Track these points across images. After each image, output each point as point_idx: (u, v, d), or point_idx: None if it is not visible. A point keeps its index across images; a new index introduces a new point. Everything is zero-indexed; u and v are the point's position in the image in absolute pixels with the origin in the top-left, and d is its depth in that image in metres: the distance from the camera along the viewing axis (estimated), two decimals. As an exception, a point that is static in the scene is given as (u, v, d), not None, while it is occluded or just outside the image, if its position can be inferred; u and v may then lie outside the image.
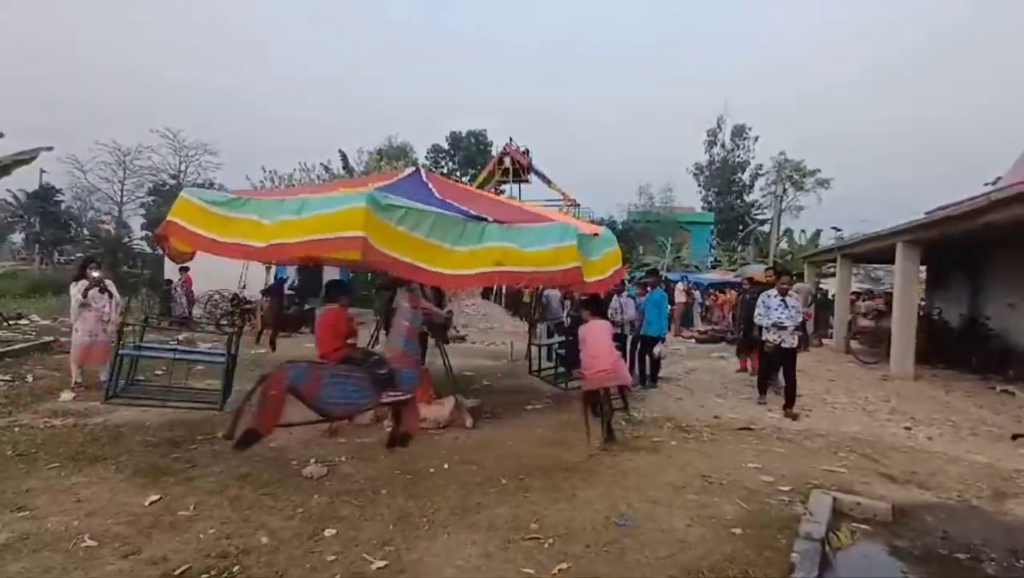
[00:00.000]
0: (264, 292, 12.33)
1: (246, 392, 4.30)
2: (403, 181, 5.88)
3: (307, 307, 13.37)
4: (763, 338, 6.97)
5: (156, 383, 6.65)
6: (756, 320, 7.11)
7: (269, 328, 10.69)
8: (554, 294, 12.04)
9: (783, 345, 6.78)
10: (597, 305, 6.06)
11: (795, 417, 6.60)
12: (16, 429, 5.18)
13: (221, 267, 8.29)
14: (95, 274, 7.07)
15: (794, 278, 7.62)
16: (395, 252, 4.32)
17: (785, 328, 6.75)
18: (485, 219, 4.90)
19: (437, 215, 4.67)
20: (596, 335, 5.38)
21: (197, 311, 14.76)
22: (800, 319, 6.87)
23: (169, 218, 4.81)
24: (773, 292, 6.93)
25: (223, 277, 13.01)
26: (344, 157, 28.16)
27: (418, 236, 4.44)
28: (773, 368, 7.35)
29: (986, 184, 14.29)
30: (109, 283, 7.27)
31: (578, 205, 29.16)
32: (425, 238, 4.48)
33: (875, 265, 29.58)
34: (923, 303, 14.10)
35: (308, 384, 4.18)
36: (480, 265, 4.67)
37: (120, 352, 5.49)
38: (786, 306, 6.79)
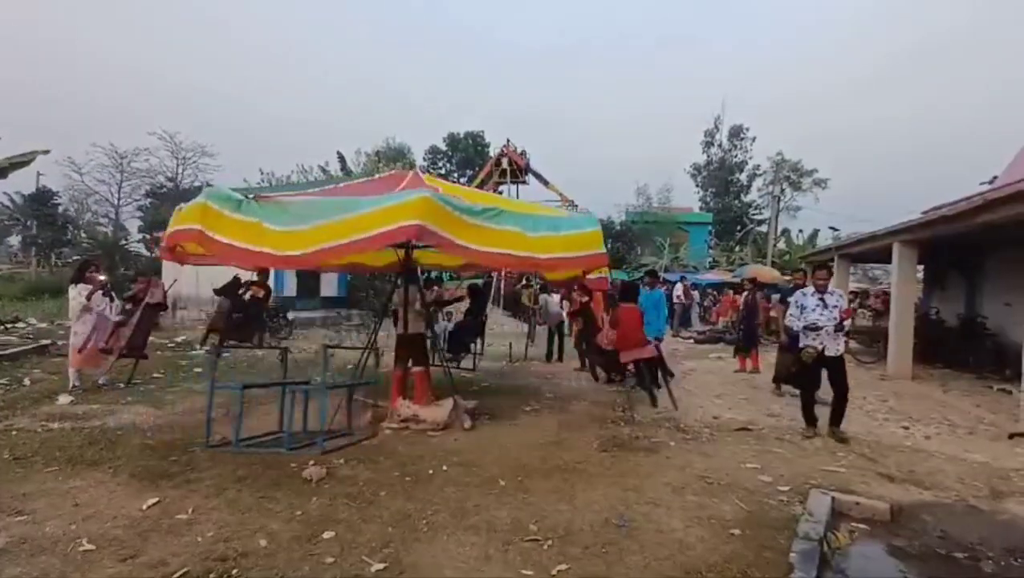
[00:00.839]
0: (218, 292, 10.41)
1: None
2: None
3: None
4: (800, 345, 5.90)
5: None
6: (787, 322, 6.22)
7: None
8: (552, 297, 12.08)
9: (827, 353, 5.77)
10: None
11: (844, 440, 5.64)
12: (13, 433, 5.17)
13: (226, 268, 8.20)
14: (101, 278, 7.07)
15: (831, 271, 6.50)
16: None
17: (821, 330, 5.73)
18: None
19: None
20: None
21: (197, 314, 14.69)
22: (838, 319, 5.74)
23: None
24: (809, 289, 5.98)
25: (225, 279, 12.76)
26: (342, 159, 28.16)
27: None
28: (814, 382, 6.07)
29: (982, 183, 14.35)
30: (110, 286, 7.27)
31: (575, 206, 29.20)
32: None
33: (873, 265, 29.66)
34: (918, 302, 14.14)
35: None
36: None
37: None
38: (825, 306, 5.78)
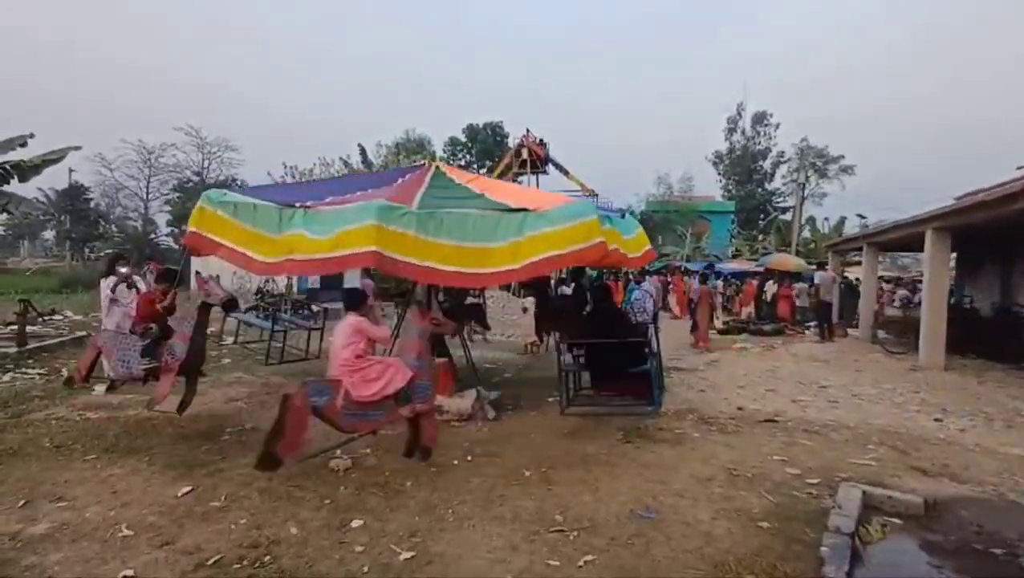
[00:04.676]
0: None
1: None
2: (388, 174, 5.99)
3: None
4: None
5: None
6: None
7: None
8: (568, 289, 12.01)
9: None
10: (353, 296, 4.69)
11: None
12: (53, 422, 5.34)
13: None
14: (123, 270, 7.23)
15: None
16: (228, 241, 4.62)
17: None
18: (293, 205, 4.65)
19: (258, 205, 4.72)
20: (337, 334, 4.46)
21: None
22: None
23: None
24: None
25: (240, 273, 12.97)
26: (363, 151, 28.34)
27: (248, 227, 4.60)
28: None
29: (1019, 168, 13.82)
30: (137, 279, 7.43)
31: (596, 196, 28.98)
32: (252, 228, 4.66)
33: (901, 253, 28.92)
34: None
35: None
36: (277, 254, 4.51)
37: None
38: None
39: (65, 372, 7.57)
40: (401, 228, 4.33)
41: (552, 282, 8.95)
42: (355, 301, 4.56)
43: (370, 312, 5.34)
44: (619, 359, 6.30)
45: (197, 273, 5.11)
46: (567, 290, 10.43)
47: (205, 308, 5.10)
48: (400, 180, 5.92)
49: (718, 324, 13.00)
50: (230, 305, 5.34)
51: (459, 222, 4.52)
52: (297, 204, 4.64)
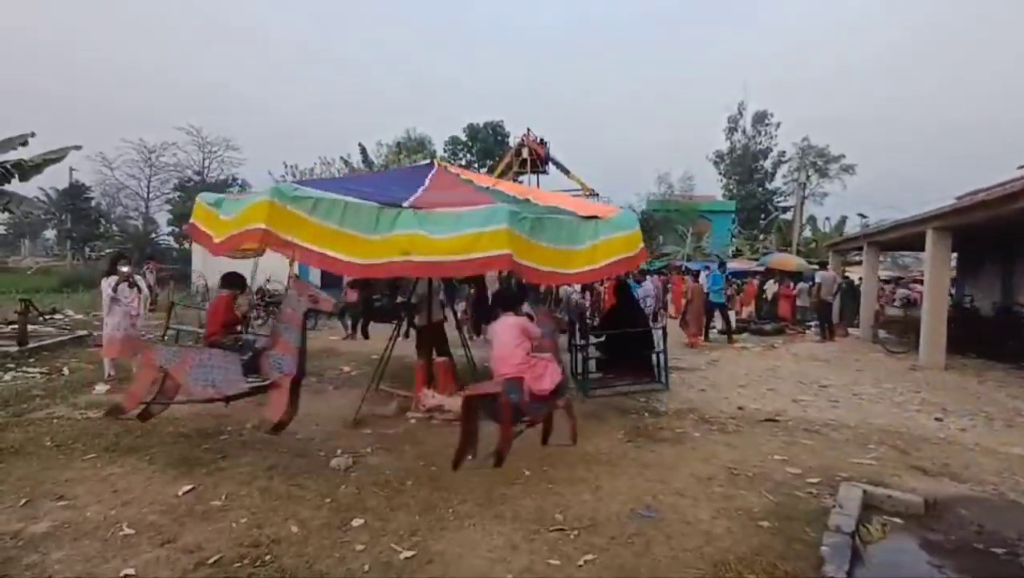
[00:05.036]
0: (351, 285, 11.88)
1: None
2: (402, 171, 5.92)
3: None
4: None
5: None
6: None
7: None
8: (572, 288, 11.99)
9: None
10: (509, 298, 5.14)
11: None
12: (54, 421, 5.35)
13: (246, 260, 8.33)
14: (124, 269, 7.24)
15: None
16: (308, 242, 4.24)
17: None
18: (399, 205, 4.55)
19: (348, 203, 4.44)
20: (500, 334, 4.66)
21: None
22: None
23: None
24: None
25: (248, 271, 12.94)
26: (363, 150, 28.34)
27: (330, 225, 4.29)
28: None
29: (1020, 167, 13.80)
30: (138, 278, 7.44)
31: (597, 195, 28.97)
32: (338, 227, 4.32)
33: (902, 253, 28.91)
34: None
35: (177, 366, 4.51)
36: (386, 254, 4.34)
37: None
38: None
39: (66, 370, 7.59)
40: (523, 233, 4.44)
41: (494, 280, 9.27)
42: (513, 301, 4.93)
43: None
44: (631, 345, 7.41)
45: (296, 277, 4.75)
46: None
47: (306, 315, 4.69)
48: (428, 179, 5.77)
49: (719, 324, 13.06)
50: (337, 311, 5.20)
51: (554, 226, 4.80)
52: (404, 204, 4.59)
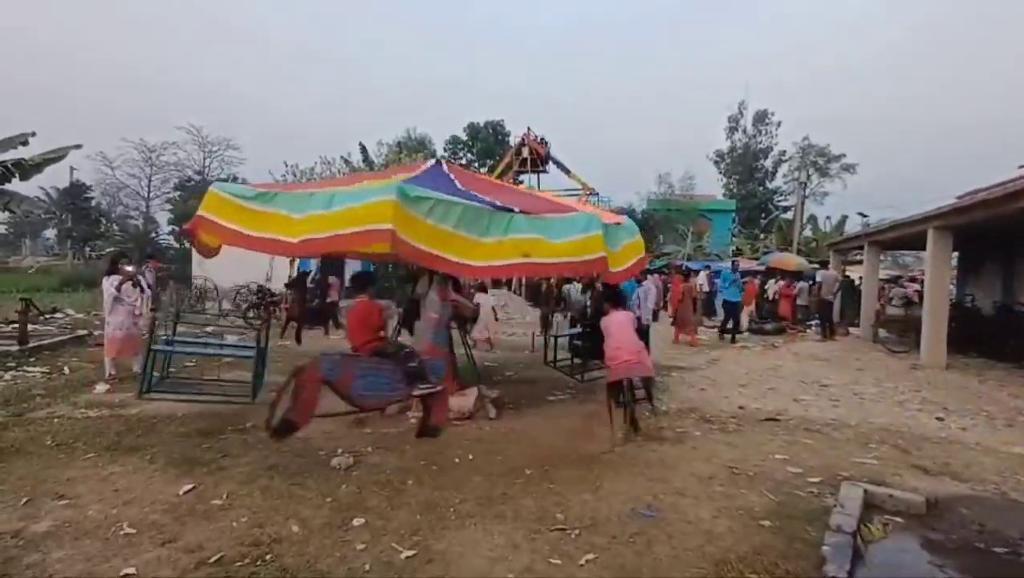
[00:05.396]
0: (288, 285, 12.31)
1: (278, 384, 4.35)
2: (426, 174, 5.85)
3: (329, 300, 13.20)
4: None
5: (187, 376, 6.77)
6: None
7: (294, 321, 10.68)
8: (574, 286, 12.02)
9: None
10: (617, 296, 5.92)
11: None
12: (55, 420, 5.35)
13: (247, 260, 8.36)
14: (128, 268, 7.24)
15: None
16: (422, 244, 4.30)
17: None
18: (511, 210, 4.82)
19: (465, 207, 4.60)
20: (619, 326, 5.40)
21: (225, 305, 14.98)
22: None
23: (199, 213, 4.80)
24: None
25: (249, 270, 13.01)
26: (364, 150, 28.29)
27: (446, 227, 4.41)
28: None
29: (1021, 166, 13.79)
30: (140, 277, 7.44)
31: (597, 194, 28.95)
32: (453, 229, 4.44)
33: (903, 252, 28.88)
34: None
35: (342, 377, 4.23)
36: (507, 256, 4.63)
37: (153, 348, 5.58)
38: None
39: (67, 370, 7.58)
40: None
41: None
42: (620, 300, 5.83)
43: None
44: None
45: (441, 283, 5.03)
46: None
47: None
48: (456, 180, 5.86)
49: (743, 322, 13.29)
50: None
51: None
52: (516, 209, 4.83)
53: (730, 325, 12.81)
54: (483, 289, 11.50)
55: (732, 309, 12.92)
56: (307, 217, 4.41)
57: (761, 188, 40.73)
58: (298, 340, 10.17)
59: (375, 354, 4.67)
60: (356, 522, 3.38)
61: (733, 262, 14.99)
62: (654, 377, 5.78)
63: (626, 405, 5.25)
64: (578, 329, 8.19)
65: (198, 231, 4.99)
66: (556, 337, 8.60)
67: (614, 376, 5.27)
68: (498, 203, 4.94)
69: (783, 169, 40.34)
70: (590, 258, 4.83)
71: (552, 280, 15.82)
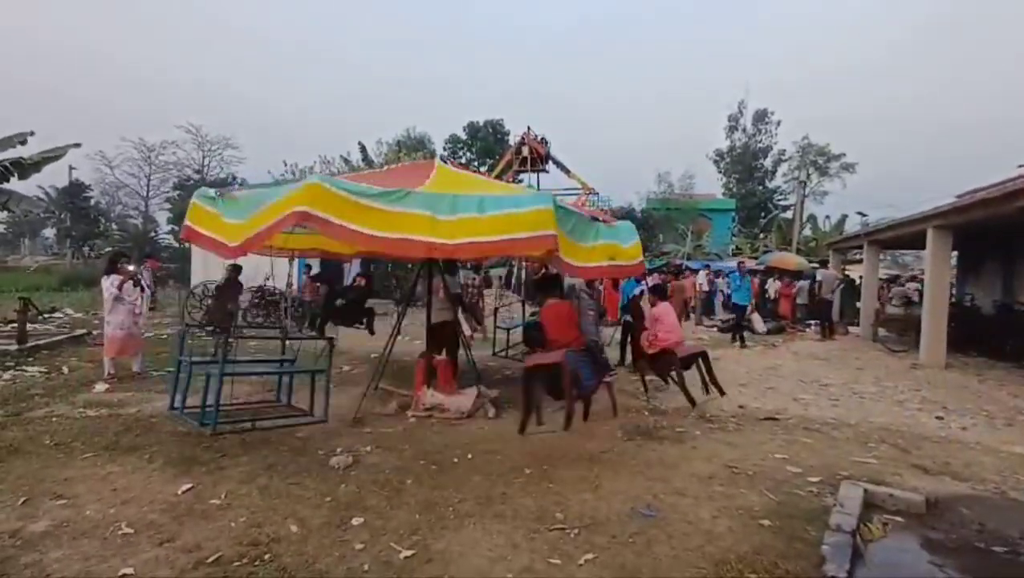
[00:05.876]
0: (316, 279, 11.92)
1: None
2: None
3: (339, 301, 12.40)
4: None
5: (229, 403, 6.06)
6: None
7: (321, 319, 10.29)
8: (578, 282, 11.94)
9: None
10: (663, 291, 7.46)
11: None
12: (54, 419, 5.34)
13: (246, 259, 8.30)
14: (130, 268, 7.24)
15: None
16: (562, 250, 4.61)
17: None
18: (596, 219, 5.61)
19: (578, 216, 5.27)
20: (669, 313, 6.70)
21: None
22: None
23: (298, 209, 4.19)
24: None
25: (248, 269, 12.85)
26: (363, 149, 28.27)
27: (566, 235, 4.70)
28: None
29: (1020, 165, 13.79)
30: (139, 276, 7.44)
31: (597, 194, 28.96)
32: (568, 236, 4.76)
33: (903, 251, 28.89)
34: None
35: (578, 369, 5.11)
36: (599, 259, 5.20)
37: (209, 374, 5.12)
38: None
39: (66, 369, 7.57)
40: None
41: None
42: (665, 293, 7.22)
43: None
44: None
45: (585, 284, 5.92)
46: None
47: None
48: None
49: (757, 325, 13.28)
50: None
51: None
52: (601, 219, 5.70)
53: (740, 326, 12.45)
54: (488, 285, 11.51)
55: (740, 312, 12.55)
56: (459, 220, 4.39)
57: (761, 187, 40.72)
58: (370, 331, 9.50)
59: (583, 349, 5.37)
60: (355, 522, 3.37)
61: (739, 263, 14.66)
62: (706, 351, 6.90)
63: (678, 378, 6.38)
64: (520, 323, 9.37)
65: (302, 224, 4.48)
66: (507, 329, 9.91)
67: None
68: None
69: (783, 168, 40.35)
70: (627, 263, 5.51)
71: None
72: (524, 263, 20.47)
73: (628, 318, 8.84)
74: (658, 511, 3.61)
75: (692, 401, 6.22)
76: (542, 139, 29.37)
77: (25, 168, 11.01)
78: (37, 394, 6.28)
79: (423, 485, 3.96)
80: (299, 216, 4.12)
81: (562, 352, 5.17)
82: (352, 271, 14.05)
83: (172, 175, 31.14)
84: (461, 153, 38.98)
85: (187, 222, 5.12)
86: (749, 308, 13.09)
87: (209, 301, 10.54)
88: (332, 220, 4.21)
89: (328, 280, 11.12)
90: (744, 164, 40.84)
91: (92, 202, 32.43)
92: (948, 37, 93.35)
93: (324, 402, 5.37)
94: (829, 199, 37.16)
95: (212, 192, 5.19)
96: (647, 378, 6.96)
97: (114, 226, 32.72)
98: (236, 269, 10.18)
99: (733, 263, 24.96)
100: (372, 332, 9.32)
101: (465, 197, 4.57)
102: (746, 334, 12.32)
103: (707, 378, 6.59)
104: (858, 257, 18.90)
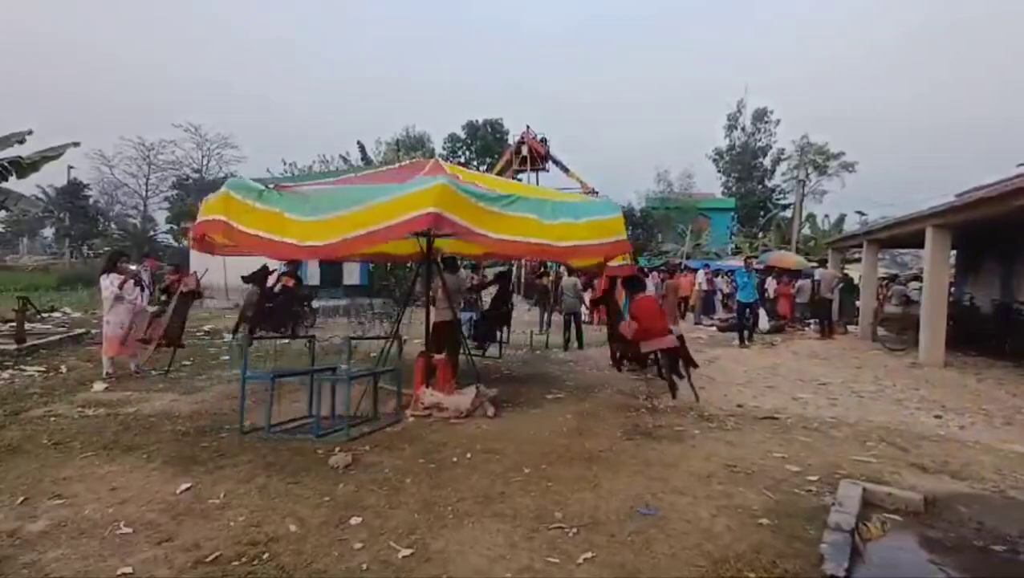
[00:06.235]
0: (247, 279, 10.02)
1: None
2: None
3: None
4: None
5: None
6: None
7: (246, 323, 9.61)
8: (570, 282, 11.95)
9: None
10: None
11: None
12: (52, 419, 5.34)
13: (246, 259, 8.30)
14: (132, 268, 7.24)
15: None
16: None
17: None
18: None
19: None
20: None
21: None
22: None
23: (432, 210, 4.30)
24: None
25: (247, 269, 12.78)
26: (362, 148, 28.24)
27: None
28: None
29: (1019, 165, 13.80)
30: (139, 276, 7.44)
31: (596, 193, 28.93)
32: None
33: (902, 250, 28.89)
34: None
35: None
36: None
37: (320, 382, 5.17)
38: None
39: (64, 369, 7.57)
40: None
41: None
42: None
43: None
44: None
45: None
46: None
47: None
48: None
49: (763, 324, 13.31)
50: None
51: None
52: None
53: (743, 324, 12.37)
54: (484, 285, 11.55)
55: (745, 310, 12.37)
56: (562, 224, 4.63)
57: (760, 186, 40.75)
58: (293, 336, 9.37)
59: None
60: (354, 521, 3.37)
61: (746, 261, 14.47)
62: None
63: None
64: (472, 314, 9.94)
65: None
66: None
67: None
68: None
69: (782, 167, 40.34)
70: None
71: (551, 277, 15.87)
72: (524, 262, 20.45)
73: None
74: (657, 510, 3.61)
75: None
76: (542, 138, 29.37)
77: (23, 167, 10.97)
78: (35, 393, 6.28)
79: (422, 484, 3.96)
80: (433, 218, 4.20)
81: (673, 337, 6.56)
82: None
83: (171, 174, 31.17)
84: (460, 152, 38.98)
85: (217, 217, 4.52)
86: (756, 305, 13.05)
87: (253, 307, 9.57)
88: (459, 222, 4.43)
89: (257, 280, 9.95)
90: (743, 163, 40.86)
91: (91, 201, 32.44)
92: (948, 37, 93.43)
93: (396, 401, 5.88)
94: (828, 198, 37.19)
95: (258, 184, 4.62)
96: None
97: (113, 225, 32.71)
98: (265, 270, 9.45)
99: (732, 262, 25.03)
100: (295, 338, 8.78)
101: (561, 203, 5.06)
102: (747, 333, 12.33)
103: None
104: (857, 256, 18.90)
